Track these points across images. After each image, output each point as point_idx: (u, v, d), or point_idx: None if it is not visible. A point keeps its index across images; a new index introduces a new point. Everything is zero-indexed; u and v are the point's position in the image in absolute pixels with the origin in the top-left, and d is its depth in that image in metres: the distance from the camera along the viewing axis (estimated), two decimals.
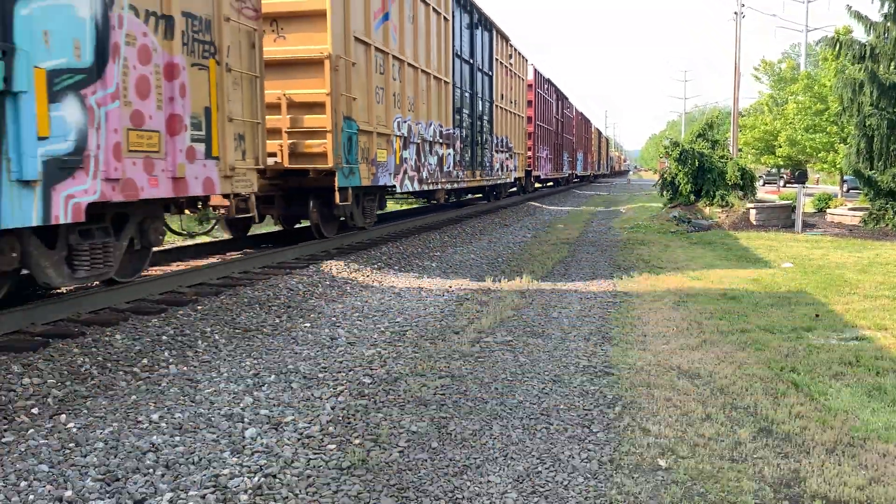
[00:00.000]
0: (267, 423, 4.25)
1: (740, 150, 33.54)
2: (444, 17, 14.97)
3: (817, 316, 7.17)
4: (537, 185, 32.49)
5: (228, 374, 5.18)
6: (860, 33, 18.54)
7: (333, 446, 3.93)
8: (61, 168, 5.16)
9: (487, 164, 19.76)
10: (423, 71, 13.60)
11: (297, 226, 12.75)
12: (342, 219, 11.29)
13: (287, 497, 3.37)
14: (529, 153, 27.45)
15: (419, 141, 13.56)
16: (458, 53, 16.37)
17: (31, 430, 4.03)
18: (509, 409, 4.52)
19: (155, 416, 4.29)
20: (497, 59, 20.45)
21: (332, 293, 8.26)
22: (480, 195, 24.05)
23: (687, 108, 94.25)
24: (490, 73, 19.61)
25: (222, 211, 8.00)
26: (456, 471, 3.66)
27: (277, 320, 6.90)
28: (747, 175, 21.06)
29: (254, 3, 7.87)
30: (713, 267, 10.67)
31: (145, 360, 5.34)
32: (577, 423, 4.30)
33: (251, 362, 5.50)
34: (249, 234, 11.72)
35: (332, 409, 4.50)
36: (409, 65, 12.83)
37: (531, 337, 6.40)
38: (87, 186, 5.41)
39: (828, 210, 20.04)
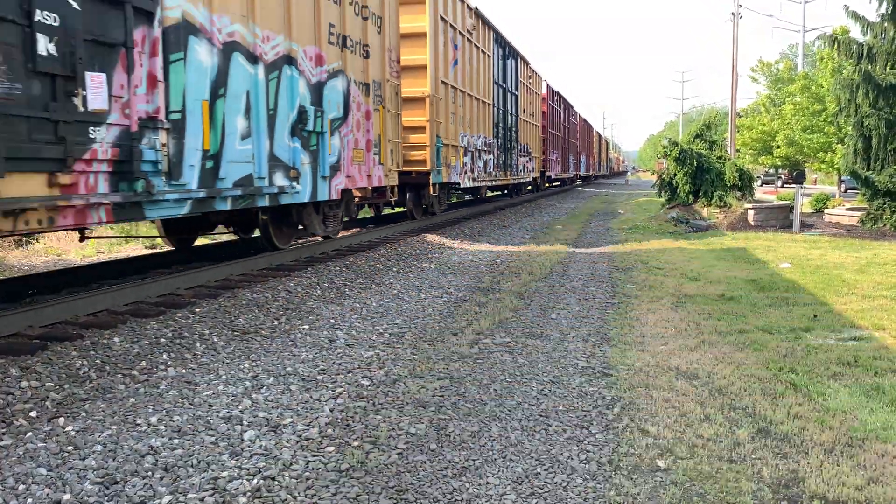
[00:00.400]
0: (265, 426, 4.25)
1: (738, 150, 33.59)
2: (487, 55, 19.78)
3: (815, 316, 7.17)
4: (546, 184, 35.87)
5: (227, 377, 5.18)
6: (857, 33, 18.54)
7: (332, 448, 3.93)
8: (333, 170, 9.66)
9: (514, 166, 24.06)
10: (475, 98, 18.35)
11: (384, 213, 17.18)
12: (425, 206, 16.02)
13: (286, 499, 3.37)
14: (543, 156, 31.12)
15: (473, 150, 18.23)
16: (496, 81, 20.95)
17: (30, 434, 4.02)
18: (508, 411, 4.52)
19: (153, 419, 4.28)
20: (521, 81, 24.92)
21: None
22: (498, 192, 27.72)
23: (685, 108, 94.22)
24: (516, 92, 24.06)
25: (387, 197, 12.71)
26: (455, 472, 3.66)
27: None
28: (745, 175, 21.07)
29: (397, 68, 12.43)
30: (711, 267, 10.68)
31: (144, 363, 5.33)
32: (575, 425, 4.30)
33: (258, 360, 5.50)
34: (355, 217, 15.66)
35: (331, 411, 4.50)
36: (468, 94, 17.59)
37: (530, 338, 6.40)
38: (340, 180, 9.94)
39: (826, 210, 20.03)
